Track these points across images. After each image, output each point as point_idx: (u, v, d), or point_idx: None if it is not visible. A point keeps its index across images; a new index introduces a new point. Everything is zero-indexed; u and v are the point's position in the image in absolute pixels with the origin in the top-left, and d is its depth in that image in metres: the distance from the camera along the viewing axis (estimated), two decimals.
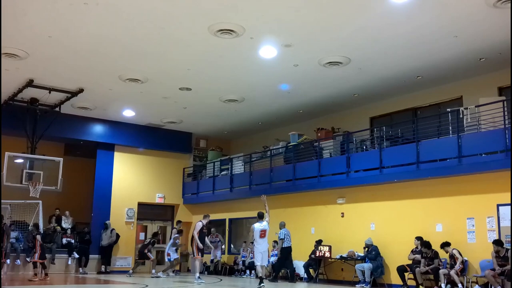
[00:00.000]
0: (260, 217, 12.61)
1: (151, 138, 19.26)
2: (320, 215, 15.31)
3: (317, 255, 14.64)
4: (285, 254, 14.40)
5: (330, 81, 13.71)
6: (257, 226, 12.35)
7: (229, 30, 10.51)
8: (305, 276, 14.93)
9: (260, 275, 12.03)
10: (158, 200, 19.72)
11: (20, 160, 15.38)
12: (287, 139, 17.13)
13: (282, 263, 14.59)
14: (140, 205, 19.24)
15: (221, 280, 15.45)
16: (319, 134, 16.05)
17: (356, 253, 13.86)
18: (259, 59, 12.21)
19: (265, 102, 15.92)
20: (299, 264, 15.29)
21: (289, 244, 14.40)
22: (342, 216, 14.78)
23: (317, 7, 9.55)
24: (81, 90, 14.75)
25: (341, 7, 9.54)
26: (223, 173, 18.97)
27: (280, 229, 14.53)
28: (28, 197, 15.61)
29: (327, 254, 14.49)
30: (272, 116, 17.52)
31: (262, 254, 12.25)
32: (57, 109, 15.97)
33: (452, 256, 11.49)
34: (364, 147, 14.61)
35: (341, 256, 14.18)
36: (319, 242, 14.73)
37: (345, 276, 14.18)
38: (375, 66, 12.62)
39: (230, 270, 17.54)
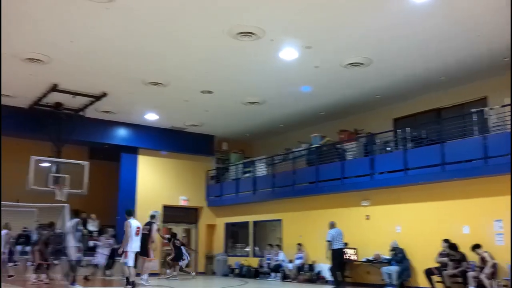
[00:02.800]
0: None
1: (174, 141, 19.36)
2: (344, 217, 15.14)
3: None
4: (336, 257, 13.41)
5: (352, 82, 13.58)
6: None
7: (249, 32, 10.50)
8: (331, 279, 14.77)
9: None
10: (182, 202, 19.81)
11: (46, 164, 15.61)
12: (309, 141, 17.02)
13: (337, 266, 13.50)
14: (165, 207, 19.34)
15: (246, 283, 15.41)
16: (341, 136, 15.92)
17: (382, 256, 13.68)
18: (280, 61, 12.15)
19: (287, 104, 15.85)
20: (324, 267, 15.17)
21: (339, 246, 13.43)
22: (367, 219, 14.61)
23: (337, 7, 9.46)
24: (104, 94, 14.92)
25: (361, 7, 9.44)
26: (246, 175, 18.95)
27: (329, 229, 13.61)
28: (54, 201, 15.86)
29: (353, 257, 14.34)
30: (293, 118, 17.43)
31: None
32: (81, 113, 16.19)
33: (482, 259, 11.24)
34: (388, 148, 14.40)
35: (367, 259, 14.02)
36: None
37: (372, 279, 14.01)
38: (397, 66, 12.45)
39: (255, 273, 17.48)
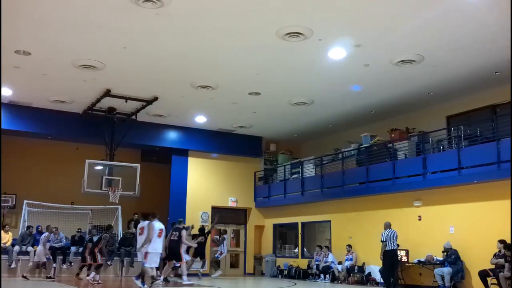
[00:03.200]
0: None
1: (223, 143, 19.54)
2: (395, 218, 14.86)
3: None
4: (389, 258, 13.02)
5: (403, 80, 13.32)
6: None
7: (297, 33, 10.47)
8: (381, 281, 14.55)
9: None
10: (231, 204, 19.97)
11: (99, 167, 16.08)
12: (359, 141, 16.81)
13: (389, 268, 13.15)
14: (214, 209, 19.54)
15: (295, 284, 15.38)
16: (392, 135, 15.64)
17: (434, 257, 13.37)
18: (328, 61, 12.07)
19: (335, 104, 15.72)
20: (374, 269, 14.97)
21: (392, 247, 13.00)
22: (419, 219, 14.31)
23: (386, 4, 9.31)
24: (155, 98, 15.23)
25: (411, 2, 9.25)
26: (294, 176, 18.91)
27: (384, 230, 13.21)
28: (108, 203, 16.32)
29: (404, 259, 14.08)
30: (342, 118, 17.27)
31: None
32: (133, 117, 16.58)
33: None
34: (441, 147, 14.06)
35: (419, 261, 13.73)
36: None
37: (424, 281, 13.71)
38: (450, 62, 12.12)
39: (304, 274, 17.42)
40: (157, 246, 11.57)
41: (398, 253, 13.61)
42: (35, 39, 11.07)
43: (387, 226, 13.32)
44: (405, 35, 10.64)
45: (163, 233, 11.88)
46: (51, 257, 15.25)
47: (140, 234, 11.91)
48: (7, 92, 14.83)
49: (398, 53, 11.59)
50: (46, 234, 15.37)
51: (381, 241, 13.06)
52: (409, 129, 15.66)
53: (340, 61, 12.07)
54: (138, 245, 11.86)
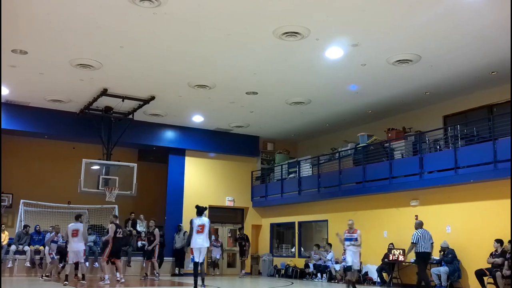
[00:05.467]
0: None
1: (220, 142, 19.54)
2: (392, 218, 14.92)
3: (390, 259, 14.26)
4: (421, 261, 12.09)
5: (400, 79, 13.35)
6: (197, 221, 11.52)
7: (294, 32, 10.48)
8: (378, 280, 14.59)
9: None
10: (228, 203, 19.97)
11: (96, 167, 16.04)
12: (355, 141, 16.83)
13: (422, 271, 12.15)
14: (211, 208, 19.44)
15: (292, 283, 15.40)
16: (389, 135, 15.64)
17: (431, 257, 13.38)
18: (325, 60, 12.09)
19: (332, 103, 15.73)
20: (371, 268, 15.01)
21: (424, 249, 11.90)
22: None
23: (383, 3, 9.33)
24: (152, 98, 15.22)
25: (408, 2, 9.27)
26: (291, 176, 18.93)
27: (416, 229, 12.18)
28: (104, 202, 16.30)
29: (401, 258, 14.10)
30: (339, 117, 17.29)
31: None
32: (130, 116, 16.57)
33: None
34: (438, 147, 14.09)
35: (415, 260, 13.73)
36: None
37: None
38: (447, 62, 12.15)
39: (301, 274, 17.44)
40: (196, 242, 11.33)
41: (431, 255, 12.40)
42: (31, 38, 11.04)
43: (419, 225, 12.26)
44: (402, 34, 10.66)
45: (205, 228, 11.45)
46: (55, 257, 15.15)
47: (197, 232, 11.45)
48: (4, 91, 14.79)
49: (395, 53, 11.61)
50: (51, 234, 15.30)
51: (412, 242, 12.02)
52: (406, 128, 15.69)
53: (337, 61, 12.08)
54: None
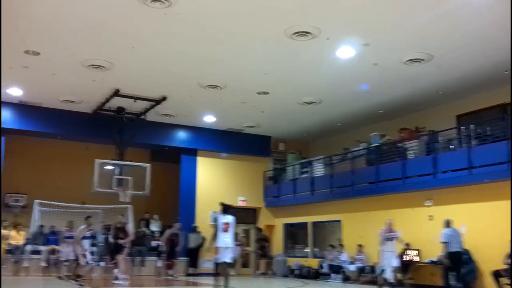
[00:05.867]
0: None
1: (231, 142, 19.52)
2: (406, 218, 14.77)
3: (404, 259, 14.13)
4: (454, 261, 11.96)
5: (412, 78, 13.22)
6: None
7: (305, 32, 10.43)
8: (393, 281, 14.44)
9: None
10: (240, 203, 19.92)
11: (110, 167, 16.12)
12: (368, 140, 16.71)
13: (458, 272, 12.04)
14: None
15: (307, 284, 15.33)
16: (402, 134, 15.52)
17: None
18: (337, 60, 12.02)
19: (344, 103, 15.64)
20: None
21: (456, 249, 11.80)
22: (430, 219, 14.20)
23: (394, 2, 9.24)
24: (164, 98, 15.26)
25: (420, 0, 9.17)
26: (303, 176, 18.86)
27: (444, 228, 12.06)
28: (118, 202, 16.37)
29: (416, 258, 13.97)
30: (351, 117, 17.19)
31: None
32: (142, 116, 16.63)
33: None
34: (451, 146, 13.93)
35: (431, 261, 13.62)
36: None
37: (436, 281, 13.56)
38: (460, 61, 12.00)
39: (315, 274, 17.36)
40: (222, 241, 10.64)
41: (461, 255, 12.24)
42: (44, 39, 11.13)
43: (447, 223, 12.12)
44: (414, 33, 10.55)
45: (230, 227, 10.80)
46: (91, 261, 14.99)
47: (223, 230, 10.76)
48: (17, 92, 14.95)
49: (407, 52, 11.50)
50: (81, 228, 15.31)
51: (442, 241, 11.94)
52: (419, 128, 15.54)
53: (349, 60, 12.00)
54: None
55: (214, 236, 10.77)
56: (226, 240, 10.69)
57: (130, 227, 13.04)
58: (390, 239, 12.53)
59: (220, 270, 10.95)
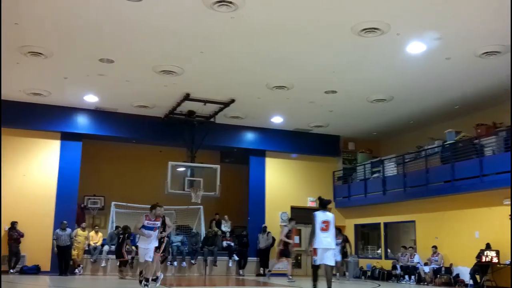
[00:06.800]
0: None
1: (300, 142, 19.46)
2: (484, 217, 14.14)
3: (482, 260, 13.54)
4: None
5: (488, 72, 12.62)
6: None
7: (373, 28, 10.23)
8: (471, 282, 13.88)
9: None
10: (310, 204, 19.77)
11: (182, 169, 16.53)
12: (442, 138, 16.14)
13: None
14: (293, 209, 19.49)
15: (379, 285, 15.02)
16: (479, 131, 14.87)
17: None
18: (407, 56, 11.69)
19: (416, 100, 15.19)
20: (462, 270, 14.30)
21: None
22: (510, 218, 13.50)
23: None
24: (232, 101, 15.46)
25: None
26: (374, 175, 18.48)
27: None
28: (190, 203, 16.77)
29: (495, 260, 13.34)
30: (424, 114, 16.65)
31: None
32: (212, 119, 16.94)
33: None
34: None
35: (511, 262, 12.95)
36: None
37: None
38: None
39: (388, 276, 16.97)
40: (321, 241, 9.54)
41: None
42: (117, 47, 11.59)
43: None
44: (490, 25, 10.07)
45: (330, 225, 9.66)
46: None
47: (321, 229, 9.64)
48: (93, 98, 15.66)
49: (481, 45, 11.01)
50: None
51: None
52: (496, 123, 14.80)
53: (420, 56, 11.65)
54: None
55: (312, 236, 9.60)
56: (326, 240, 9.54)
57: (168, 220, 12.78)
58: None
59: (315, 273, 9.72)
